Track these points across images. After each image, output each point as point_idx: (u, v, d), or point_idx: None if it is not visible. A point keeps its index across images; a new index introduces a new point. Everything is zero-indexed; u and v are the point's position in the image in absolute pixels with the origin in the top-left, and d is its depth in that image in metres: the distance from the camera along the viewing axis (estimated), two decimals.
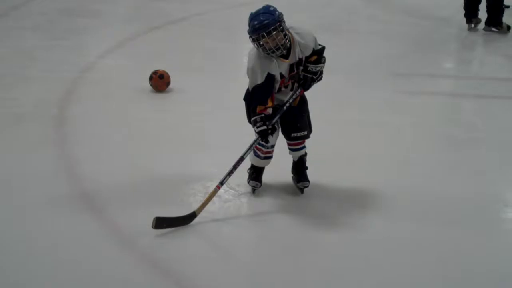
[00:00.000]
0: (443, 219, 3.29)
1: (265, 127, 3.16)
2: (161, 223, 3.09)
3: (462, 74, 6.18)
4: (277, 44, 3.02)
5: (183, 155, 3.96)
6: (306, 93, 3.36)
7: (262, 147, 3.42)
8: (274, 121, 3.22)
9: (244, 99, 3.29)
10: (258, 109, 3.14)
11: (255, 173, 3.55)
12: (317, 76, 3.25)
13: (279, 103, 3.27)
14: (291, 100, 3.26)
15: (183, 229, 3.16)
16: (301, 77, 3.24)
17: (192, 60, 6.02)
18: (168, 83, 5.20)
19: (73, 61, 5.99)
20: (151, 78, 5.18)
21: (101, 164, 3.87)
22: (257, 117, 3.15)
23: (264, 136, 3.19)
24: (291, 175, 3.60)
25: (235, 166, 3.30)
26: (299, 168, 3.53)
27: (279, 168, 3.58)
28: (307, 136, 3.43)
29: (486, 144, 4.28)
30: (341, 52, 6.34)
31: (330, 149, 4.06)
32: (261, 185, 3.55)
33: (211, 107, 4.70)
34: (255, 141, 3.28)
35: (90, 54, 6.25)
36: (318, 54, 3.23)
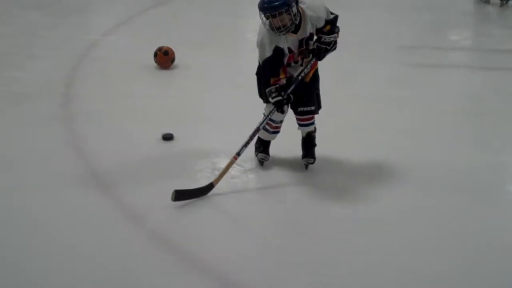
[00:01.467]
0: (449, 191, 3.29)
1: (280, 98, 3.18)
2: (180, 195, 3.14)
3: (468, 46, 6.14)
4: (283, 25, 3.03)
5: (189, 131, 3.96)
6: (319, 69, 3.35)
7: (271, 122, 3.43)
8: (289, 91, 3.23)
9: (256, 73, 3.31)
10: (272, 80, 3.17)
11: (263, 146, 3.57)
12: (331, 46, 3.23)
13: (292, 75, 3.27)
14: (306, 71, 3.25)
15: (191, 205, 3.18)
16: (315, 47, 3.22)
17: (197, 36, 6.00)
18: (173, 60, 5.20)
19: (78, 39, 6.00)
20: (155, 55, 5.18)
21: (107, 140, 3.88)
22: (272, 88, 3.18)
23: (279, 106, 3.21)
24: (299, 151, 3.60)
25: (251, 137, 3.34)
26: (306, 144, 3.54)
27: (287, 143, 3.59)
28: (315, 112, 3.43)
29: (493, 116, 4.25)
30: (347, 26, 6.31)
31: (336, 123, 4.05)
32: (269, 157, 3.57)
33: (217, 83, 4.70)
34: (271, 112, 3.30)
35: (94, 31, 6.26)
36: (331, 24, 3.21)
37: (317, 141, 3.56)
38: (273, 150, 3.61)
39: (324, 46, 3.21)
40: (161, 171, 3.46)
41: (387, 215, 3.10)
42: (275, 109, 3.25)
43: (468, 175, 3.45)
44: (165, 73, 5.14)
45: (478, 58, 5.69)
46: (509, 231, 3.01)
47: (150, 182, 3.33)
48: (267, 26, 3.06)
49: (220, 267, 2.70)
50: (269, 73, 3.17)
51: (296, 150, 3.59)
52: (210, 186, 3.26)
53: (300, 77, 3.25)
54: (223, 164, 3.51)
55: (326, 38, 3.20)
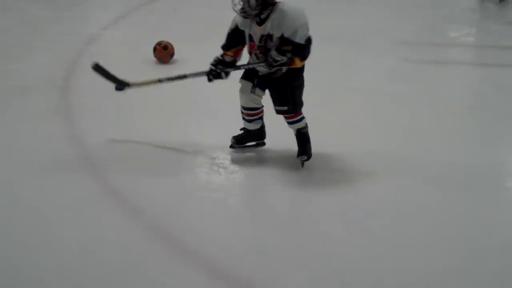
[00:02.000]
0: (447, 187, 3.28)
1: (212, 67, 3.35)
2: (99, 69, 3.59)
3: (467, 43, 6.14)
4: (241, 8, 3.12)
5: (188, 125, 3.97)
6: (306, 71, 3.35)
7: (241, 108, 3.48)
8: (226, 69, 3.33)
9: None
10: (222, 52, 3.36)
11: (243, 133, 3.60)
12: (276, 64, 3.14)
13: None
14: (251, 66, 3.31)
15: (189, 199, 3.19)
16: (267, 57, 3.17)
17: (196, 31, 5.99)
18: (172, 54, 5.19)
19: (77, 32, 6.00)
20: (155, 49, 5.17)
21: (106, 133, 3.88)
22: (216, 57, 3.37)
23: (208, 74, 3.38)
24: (278, 135, 3.64)
25: (175, 78, 3.61)
26: (299, 141, 3.51)
27: (282, 140, 3.60)
28: (289, 112, 3.37)
29: (491, 113, 4.25)
30: (346, 20, 6.34)
31: (334, 118, 4.06)
32: (238, 144, 3.60)
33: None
34: (202, 72, 3.44)
35: (94, 25, 6.25)
36: (294, 46, 3.12)
37: (315, 135, 3.53)
38: (271, 145, 3.65)
39: (270, 60, 3.14)
40: (159, 164, 3.46)
41: (385, 212, 3.10)
42: (204, 73, 3.40)
43: (468, 172, 3.45)
44: (164, 67, 5.13)
45: (478, 55, 5.70)
46: (509, 229, 3.00)
47: (149, 175, 3.34)
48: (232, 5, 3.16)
49: (216, 262, 2.70)
50: (223, 44, 3.35)
51: (293, 146, 3.58)
52: (126, 84, 3.60)
53: (243, 68, 3.35)
54: (222, 159, 3.53)
55: (274, 55, 3.13)
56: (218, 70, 3.31)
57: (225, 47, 3.34)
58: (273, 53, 3.13)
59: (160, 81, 3.53)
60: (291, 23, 3.09)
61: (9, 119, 4.13)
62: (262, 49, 3.22)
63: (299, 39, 3.10)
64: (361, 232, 2.94)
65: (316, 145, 3.53)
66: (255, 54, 3.27)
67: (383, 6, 7.03)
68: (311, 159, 3.48)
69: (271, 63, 3.14)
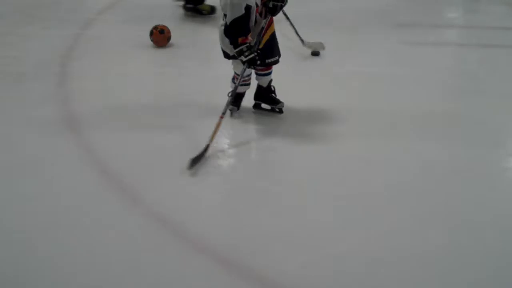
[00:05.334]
0: (444, 170, 3.30)
1: (253, 55, 3.34)
2: (194, 162, 3.26)
3: (465, 24, 6.11)
4: None
5: (185, 109, 3.96)
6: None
7: (238, 76, 3.58)
8: (256, 47, 3.40)
9: (225, 33, 3.39)
10: (240, 40, 3.30)
11: (234, 98, 3.66)
12: (284, 2, 3.41)
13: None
14: (264, 26, 3.43)
15: (168, 175, 3.25)
16: (270, 6, 3.37)
17: (192, 14, 5.96)
18: (169, 38, 5.17)
19: (73, 18, 5.96)
20: (151, 33, 5.14)
21: (103, 119, 3.88)
22: (243, 47, 3.32)
23: (253, 63, 3.38)
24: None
25: (232, 96, 3.53)
26: (267, 94, 3.77)
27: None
28: (278, 61, 3.63)
29: (489, 94, 4.24)
30: (343, 4, 6.30)
31: (330, 100, 4.06)
32: (237, 109, 3.81)
33: (213, 61, 4.67)
34: (244, 69, 3.45)
35: (89, 10, 6.20)
36: None
37: (310, 116, 3.70)
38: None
39: (279, 4, 3.38)
40: (156, 148, 3.45)
41: (381, 189, 3.12)
42: (247, 66, 3.40)
43: (464, 153, 3.45)
44: (161, 51, 5.11)
45: (476, 36, 5.65)
46: (506, 210, 2.99)
47: (146, 160, 3.34)
48: None
49: (215, 246, 2.71)
50: (240, 32, 3.29)
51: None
52: (207, 148, 3.39)
53: (261, 34, 3.43)
54: (221, 143, 3.53)
55: None
56: (256, 54, 3.37)
57: (245, 33, 3.31)
58: None
59: (223, 113, 3.45)
60: None
61: (5, 106, 4.12)
62: (266, 4, 3.39)
63: None
64: (359, 214, 2.94)
65: (309, 124, 3.60)
66: (260, 14, 3.42)
67: None
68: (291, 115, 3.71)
69: (281, 6, 3.40)
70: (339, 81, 4.44)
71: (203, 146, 3.34)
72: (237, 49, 3.32)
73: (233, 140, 3.62)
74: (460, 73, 4.78)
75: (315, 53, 4.78)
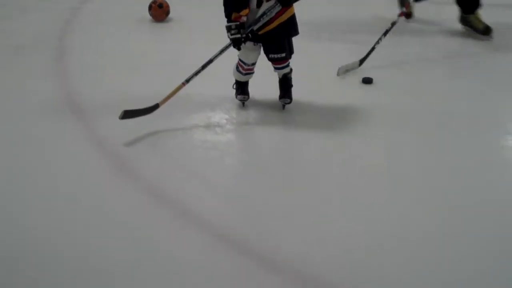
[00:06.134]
0: (442, 148, 3.28)
1: (239, 35, 3.21)
2: (127, 114, 3.27)
3: None
4: None
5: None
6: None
7: (243, 64, 3.48)
8: (248, 30, 3.24)
9: (223, 4, 3.28)
10: (233, 16, 3.19)
11: (240, 88, 3.63)
12: None
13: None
14: (269, 14, 3.22)
15: (168, 152, 3.23)
16: None
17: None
18: (167, 12, 5.15)
19: None
20: (150, 7, 5.12)
21: (101, 93, 3.86)
22: (232, 24, 3.20)
23: (237, 44, 3.25)
24: (277, 93, 3.65)
25: (203, 67, 3.41)
26: (283, 85, 3.59)
27: (265, 85, 3.65)
28: (285, 58, 3.44)
29: (490, 72, 4.22)
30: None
31: (327, 73, 4.08)
32: (248, 97, 3.65)
33: (212, 36, 4.61)
34: (226, 46, 3.34)
35: None
36: None
37: (308, 90, 3.65)
38: (252, 91, 3.68)
39: None
40: (153, 124, 3.44)
41: (382, 170, 3.12)
42: (231, 45, 3.29)
43: (461, 130, 3.44)
44: (159, 25, 5.09)
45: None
46: (504, 188, 2.99)
47: (143, 135, 3.32)
48: None
49: (214, 223, 2.70)
50: (231, 7, 3.18)
51: (274, 92, 3.65)
52: (155, 106, 3.38)
53: (262, 19, 3.23)
54: (218, 117, 3.54)
55: None
56: (244, 35, 3.23)
57: (239, 9, 3.18)
58: None
59: (187, 81, 3.39)
60: None
61: (3, 78, 4.11)
62: None
63: None
64: (360, 193, 2.94)
65: (317, 101, 3.61)
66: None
67: None
68: (291, 103, 3.59)
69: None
70: (338, 55, 4.42)
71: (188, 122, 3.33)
72: (227, 25, 3.23)
73: (232, 117, 3.61)
74: (461, 52, 4.74)
75: (367, 81, 4.03)
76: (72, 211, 2.76)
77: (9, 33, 4.92)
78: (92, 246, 2.55)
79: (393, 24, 4.27)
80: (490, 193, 2.89)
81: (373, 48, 4.17)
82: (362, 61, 4.19)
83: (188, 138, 3.36)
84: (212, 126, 3.49)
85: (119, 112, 3.42)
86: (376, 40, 4.20)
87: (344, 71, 4.10)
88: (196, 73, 3.40)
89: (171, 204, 2.85)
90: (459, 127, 3.46)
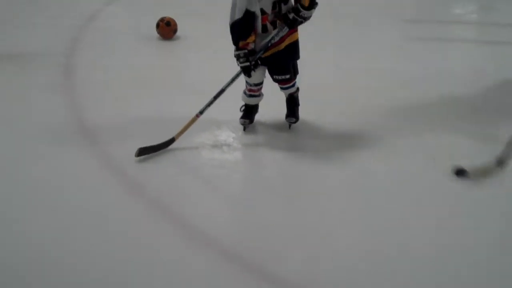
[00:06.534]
0: (446, 166, 3.25)
1: (248, 63, 3.23)
2: (143, 151, 3.25)
3: (473, 20, 6.09)
4: None
5: (191, 102, 3.93)
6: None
7: (247, 85, 3.48)
8: (257, 56, 3.26)
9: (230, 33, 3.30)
10: (241, 44, 3.21)
11: (245, 111, 3.63)
12: (306, 20, 3.21)
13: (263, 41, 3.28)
14: (276, 38, 3.24)
15: (176, 169, 3.24)
16: (291, 18, 3.18)
17: (199, 7, 5.96)
18: (175, 31, 5.18)
19: (79, 8, 5.98)
20: (158, 25, 5.15)
21: (107, 109, 3.90)
22: (241, 52, 3.21)
23: (247, 71, 3.27)
24: (282, 112, 3.66)
25: (215, 97, 3.40)
26: (289, 105, 3.61)
27: (271, 105, 3.63)
28: (290, 79, 3.46)
29: (496, 92, 4.22)
30: None
31: (332, 93, 4.08)
32: (250, 122, 3.62)
33: (219, 54, 4.66)
34: (237, 74, 3.35)
35: (96, 1, 6.19)
36: None
37: (311, 108, 3.63)
38: (263, 113, 3.68)
39: (300, 20, 3.18)
40: (162, 138, 3.43)
41: (367, 177, 3.15)
42: (241, 73, 3.31)
43: (469, 151, 3.43)
44: (167, 44, 5.12)
45: (482, 33, 5.65)
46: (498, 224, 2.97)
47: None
48: None
49: (219, 240, 2.71)
50: (237, 36, 3.20)
51: (280, 112, 3.65)
52: (171, 140, 3.36)
53: (269, 44, 3.25)
54: (225, 136, 3.55)
55: (305, 14, 3.15)
56: (254, 62, 3.25)
57: (245, 37, 3.19)
58: (305, 12, 3.14)
59: (201, 112, 3.39)
60: None
61: (10, 94, 4.14)
62: (278, 15, 3.22)
63: None
64: (361, 210, 2.95)
65: (310, 115, 3.64)
66: (272, 24, 3.24)
67: None
68: (297, 122, 3.60)
69: (301, 22, 3.19)
70: (341, 73, 4.43)
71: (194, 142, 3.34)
72: (235, 53, 3.24)
73: (238, 135, 3.62)
74: (466, 69, 4.73)
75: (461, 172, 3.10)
76: (78, 221, 2.79)
77: (17, 49, 4.96)
78: (95, 258, 2.56)
79: None
80: None
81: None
82: (500, 163, 3.05)
83: (196, 156, 3.37)
84: (219, 144, 3.50)
85: (126, 129, 3.45)
86: None
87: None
88: (209, 104, 3.40)
89: (177, 220, 2.86)
90: None
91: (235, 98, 3.48)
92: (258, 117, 3.69)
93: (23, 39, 5.17)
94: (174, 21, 5.16)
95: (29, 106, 3.94)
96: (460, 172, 3.04)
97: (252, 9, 3.13)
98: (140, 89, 4.20)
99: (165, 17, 5.16)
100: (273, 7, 3.19)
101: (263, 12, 3.18)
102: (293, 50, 3.37)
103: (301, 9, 3.13)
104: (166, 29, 5.15)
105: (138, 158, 3.24)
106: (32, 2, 5.92)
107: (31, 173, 3.19)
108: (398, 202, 2.97)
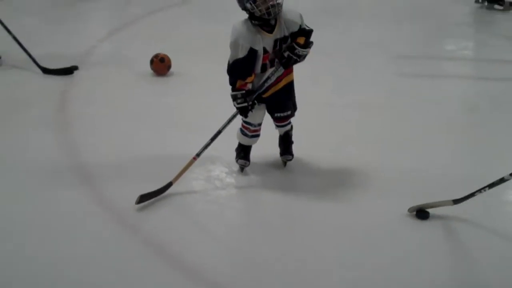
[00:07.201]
0: (438, 197, 3.20)
1: (245, 104, 3.18)
2: (143, 198, 3.19)
3: (465, 57, 6.13)
4: (270, 6, 2.97)
5: (184, 138, 3.95)
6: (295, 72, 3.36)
7: (249, 126, 3.44)
8: (254, 96, 3.22)
9: (227, 71, 3.23)
10: (238, 84, 3.15)
11: (243, 152, 3.58)
12: (301, 58, 3.17)
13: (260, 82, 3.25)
14: (272, 78, 3.22)
15: (169, 205, 3.23)
16: (285, 56, 3.15)
17: (193, 44, 5.99)
18: (169, 67, 5.19)
19: (74, 44, 5.99)
20: (152, 61, 5.17)
21: (101, 145, 3.89)
22: (238, 93, 3.16)
23: (244, 112, 3.22)
24: (277, 149, 3.64)
25: (212, 139, 3.36)
26: (284, 142, 3.60)
27: (265, 142, 3.59)
28: (291, 116, 3.47)
29: (490, 128, 4.22)
30: (343, 34, 6.36)
31: (329, 131, 4.08)
32: (249, 163, 3.59)
33: (213, 90, 4.67)
34: (233, 115, 3.31)
35: (91, 37, 6.23)
36: (306, 36, 3.17)
37: (305, 144, 3.64)
38: (253, 149, 3.64)
39: (295, 58, 3.14)
40: (154, 177, 3.41)
41: (364, 216, 3.14)
42: (238, 114, 3.26)
43: (464, 186, 3.40)
44: (161, 80, 5.13)
45: (475, 69, 5.69)
46: (504, 243, 2.97)
47: (144, 188, 3.28)
48: (254, 12, 3.01)
49: (213, 277, 2.69)
50: (237, 75, 3.14)
51: (274, 149, 3.65)
52: (169, 185, 3.31)
53: (266, 84, 3.22)
54: (217, 171, 3.54)
55: (300, 51, 3.13)
56: (251, 103, 3.21)
57: (245, 76, 3.15)
58: (300, 50, 3.12)
59: (198, 155, 3.34)
60: (296, 13, 3.16)
61: (5, 130, 4.13)
62: (278, 53, 3.18)
63: (303, 25, 3.17)
64: (339, 235, 2.98)
65: (305, 151, 3.66)
66: (270, 62, 3.21)
67: (378, 20, 7.05)
68: (292, 160, 3.60)
69: (296, 60, 3.16)
70: (335, 110, 4.44)
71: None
72: (232, 93, 3.19)
73: (232, 170, 3.60)
74: (459, 105, 4.75)
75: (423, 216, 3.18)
76: (71, 259, 2.77)
77: (12, 85, 4.97)
78: None
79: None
80: None
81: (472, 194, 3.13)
82: (456, 202, 3.13)
83: (189, 191, 3.36)
84: (212, 179, 3.49)
85: (120, 165, 3.42)
86: None
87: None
88: (206, 146, 3.36)
89: (169, 256, 2.84)
90: None
91: (228, 133, 3.46)
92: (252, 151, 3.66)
93: (18, 75, 5.17)
94: (168, 57, 5.18)
95: (22, 143, 3.93)
96: (420, 212, 3.12)
97: (256, 48, 3.08)
98: (135, 126, 4.20)
99: (159, 53, 5.19)
100: (274, 46, 3.16)
101: (265, 51, 3.14)
102: (290, 89, 3.38)
103: (296, 47, 3.12)
104: (160, 65, 5.16)
105: (138, 205, 3.18)
106: (27, 39, 5.93)
107: (21, 213, 3.16)
108: (396, 241, 2.94)
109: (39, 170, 3.56)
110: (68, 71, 5.23)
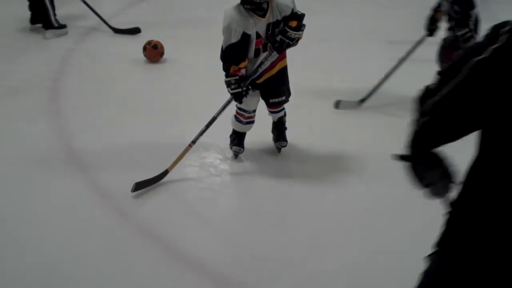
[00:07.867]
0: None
1: (239, 90, 3.18)
2: (139, 186, 3.20)
3: None
4: None
5: (177, 125, 3.95)
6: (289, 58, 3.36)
7: (244, 112, 3.45)
8: (248, 82, 3.23)
9: (220, 57, 3.23)
10: (232, 69, 3.15)
11: (237, 139, 3.59)
12: (293, 42, 3.17)
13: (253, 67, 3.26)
14: (267, 63, 3.23)
15: (163, 192, 3.24)
16: (278, 40, 3.16)
17: (186, 30, 5.97)
18: (162, 54, 5.18)
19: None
20: (144, 48, 5.15)
21: (94, 134, 3.89)
22: (232, 79, 3.17)
23: (238, 98, 3.23)
24: (271, 135, 3.65)
25: (208, 126, 3.36)
26: (278, 128, 3.60)
27: (259, 129, 3.60)
28: (286, 101, 3.47)
29: None
30: (336, 21, 6.34)
31: (320, 115, 4.10)
32: (243, 150, 3.60)
33: (205, 77, 4.67)
34: (228, 101, 3.32)
35: (83, 25, 6.19)
36: (298, 20, 3.16)
37: (296, 131, 3.64)
38: (247, 136, 3.64)
39: (287, 41, 3.14)
40: (148, 165, 3.43)
41: (356, 200, 3.16)
42: (232, 100, 3.26)
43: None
44: (154, 66, 5.12)
45: None
46: None
47: (138, 175, 3.29)
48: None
49: (207, 264, 2.72)
50: (230, 60, 3.14)
51: (267, 136, 3.66)
52: (165, 173, 3.32)
53: (260, 69, 3.23)
54: (211, 158, 3.54)
55: (292, 34, 3.13)
56: (245, 88, 3.21)
57: (239, 61, 3.15)
58: (292, 33, 3.12)
59: (193, 142, 3.34)
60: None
61: None
62: (270, 38, 3.18)
63: (296, 8, 3.17)
64: (331, 219, 3.01)
65: (296, 138, 3.65)
66: (263, 47, 3.21)
67: (371, 6, 7.03)
68: (286, 146, 3.59)
69: (288, 44, 3.15)
70: (329, 97, 4.44)
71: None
72: (226, 79, 3.19)
73: (226, 156, 3.61)
74: None
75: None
76: (69, 248, 2.77)
77: (3, 74, 4.94)
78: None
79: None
80: None
81: (376, 87, 4.13)
82: (362, 101, 4.19)
83: (183, 178, 3.36)
84: (206, 166, 3.49)
85: (113, 154, 3.42)
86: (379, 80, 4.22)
87: (344, 106, 4.13)
88: (201, 133, 3.36)
89: (163, 243, 2.85)
90: None
91: (222, 120, 3.46)
92: (246, 139, 3.67)
93: (12, 64, 5.14)
94: (161, 44, 5.17)
95: (13, 131, 3.92)
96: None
97: (249, 32, 3.08)
98: (128, 114, 4.20)
99: (152, 40, 5.17)
100: (267, 30, 3.16)
101: (258, 35, 3.14)
102: (284, 75, 3.38)
103: (289, 30, 3.12)
104: (153, 52, 5.15)
105: (134, 192, 3.20)
106: (19, 27, 5.89)
107: (14, 202, 3.18)
108: (392, 224, 2.96)
109: (32, 158, 3.56)
110: (135, 31, 5.81)
